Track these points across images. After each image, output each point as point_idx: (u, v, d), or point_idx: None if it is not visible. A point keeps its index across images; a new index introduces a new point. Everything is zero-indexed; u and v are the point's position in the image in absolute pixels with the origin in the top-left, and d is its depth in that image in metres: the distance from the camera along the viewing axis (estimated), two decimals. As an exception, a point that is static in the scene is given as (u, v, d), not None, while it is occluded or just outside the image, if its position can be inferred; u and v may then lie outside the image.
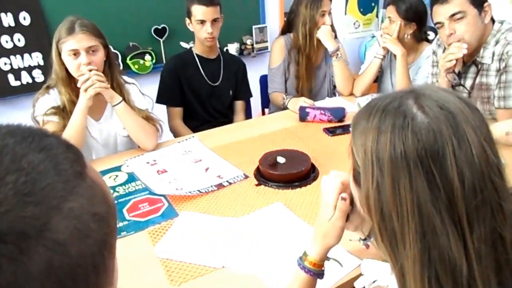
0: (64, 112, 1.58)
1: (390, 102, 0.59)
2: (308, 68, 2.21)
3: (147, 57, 2.85)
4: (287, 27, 2.28)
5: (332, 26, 2.20)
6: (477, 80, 1.65)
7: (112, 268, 0.33)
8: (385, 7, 2.19)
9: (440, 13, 1.55)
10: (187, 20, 1.98)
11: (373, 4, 3.67)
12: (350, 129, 0.65)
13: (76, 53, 1.49)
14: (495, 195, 0.54)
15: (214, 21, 1.92)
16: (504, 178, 0.57)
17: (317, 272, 0.82)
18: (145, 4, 2.79)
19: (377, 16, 3.71)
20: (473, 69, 1.65)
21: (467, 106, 0.57)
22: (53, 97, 1.60)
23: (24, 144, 0.28)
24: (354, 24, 3.62)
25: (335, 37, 2.25)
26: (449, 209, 0.52)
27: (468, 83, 1.68)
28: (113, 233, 0.33)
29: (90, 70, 1.49)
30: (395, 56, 2.18)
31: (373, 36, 3.54)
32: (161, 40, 2.88)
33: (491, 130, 0.58)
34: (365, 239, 0.90)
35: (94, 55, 1.51)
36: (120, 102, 1.57)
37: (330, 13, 2.16)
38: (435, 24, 1.61)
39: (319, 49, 2.25)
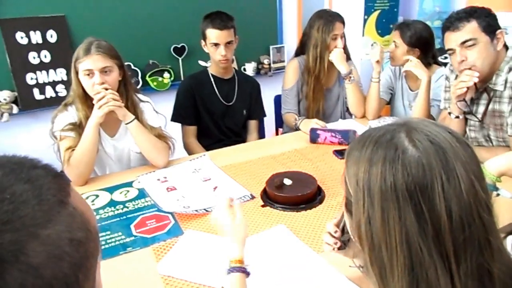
0: (80, 128, 1.64)
1: (383, 134, 0.61)
2: (317, 90, 2.23)
3: (166, 74, 2.93)
4: (301, 49, 2.31)
5: (345, 49, 2.22)
6: (490, 107, 1.64)
7: (92, 279, 0.36)
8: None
9: (451, 40, 1.56)
10: (203, 42, 2.04)
11: (391, 26, 3.68)
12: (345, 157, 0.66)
13: (90, 73, 1.56)
14: (483, 231, 0.55)
15: (228, 43, 1.98)
16: (492, 213, 0.57)
17: (244, 268, 0.90)
18: (166, 24, 2.89)
19: (395, 38, 3.72)
20: (485, 95, 1.64)
21: (457, 141, 0.58)
22: (71, 114, 1.67)
23: (11, 176, 0.31)
24: (372, 45, 3.63)
25: (348, 59, 2.27)
26: (436, 242, 0.53)
27: (481, 109, 1.67)
28: (91, 257, 0.35)
29: (106, 89, 1.55)
30: (405, 78, 2.19)
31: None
32: (180, 59, 2.96)
33: (480, 166, 0.59)
34: (363, 266, 0.91)
35: (108, 75, 1.58)
36: (132, 120, 1.63)
37: (342, 37, 2.19)
38: (447, 51, 1.62)
39: (332, 72, 2.28)
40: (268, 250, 1.15)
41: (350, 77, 2.18)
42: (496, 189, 1.02)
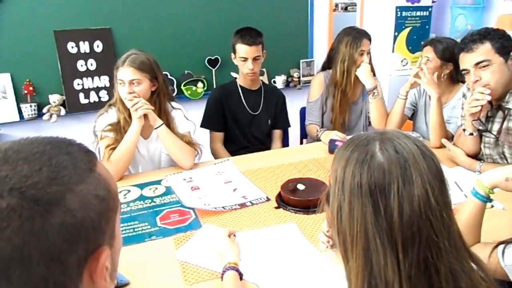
0: (118, 128, 1.82)
1: (363, 139, 0.72)
2: (343, 103, 2.33)
3: (200, 84, 3.12)
4: (328, 63, 2.42)
5: (371, 65, 2.31)
6: (504, 125, 1.68)
7: (111, 235, 0.48)
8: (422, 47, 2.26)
9: (465, 61, 1.62)
10: (233, 55, 2.20)
11: (422, 43, 3.71)
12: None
13: (122, 83, 1.75)
14: (431, 231, 0.64)
15: (256, 58, 2.12)
16: (446, 220, 0.66)
17: (238, 268, 1.05)
18: (201, 37, 3.08)
19: (426, 55, 3.74)
20: (500, 113, 1.69)
21: (422, 154, 0.68)
22: (112, 115, 1.87)
23: (56, 149, 0.45)
24: (402, 61, 3.68)
25: (373, 75, 2.36)
26: (388, 234, 0.64)
27: (495, 127, 1.71)
28: (111, 211, 0.48)
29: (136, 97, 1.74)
30: (429, 96, 2.24)
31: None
32: (213, 70, 3.15)
33: (443, 180, 0.68)
34: None
35: (136, 87, 1.76)
36: (161, 125, 1.80)
37: (369, 53, 2.28)
38: (462, 71, 1.69)
39: (357, 86, 2.37)
40: (276, 242, 1.27)
41: (374, 92, 2.26)
42: (490, 200, 1.09)
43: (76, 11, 2.74)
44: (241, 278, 1.05)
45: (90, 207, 0.44)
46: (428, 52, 2.10)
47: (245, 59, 2.14)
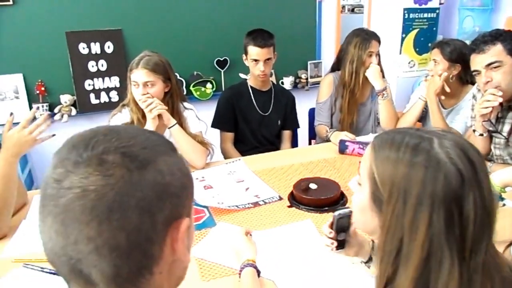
0: None
1: (419, 142, 0.66)
2: (352, 104, 2.34)
3: (208, 85, 3.15)
4: (337, 65, 2.44)
5: (380, 66, 2.32)
6: (515, 126, 1.69)
7: (188, 213, 0.52)
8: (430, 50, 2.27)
9: (477, 62, 1.64)
10: (244, 56, 2.22)
11: (429, 45, 3.72)
12: (368, 153, 0.73)
13: (136, 84, 1.77)
14: (491, 234, 0.64)
15: (267, 60, 2.15)
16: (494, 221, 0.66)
17: (256, 266, 1.06)
18: (210, 38, 3.11)
19: (433, 56, 3.75)
20: (511, 114, 1.70)
21: (479, 154, 0.66)
22: (125, 115, 1.89)
23: (147, 133, 0.51)
24: (409, 63, 3.69)
25: (383, 77, 2.37)
26: (458, 242, 0.62)
27: (506, 128, 1.72)
28: (190, 190, 0.52)
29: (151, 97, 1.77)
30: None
31: (427, 76, 3.59)
32: (222, 71, 3.17)
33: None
34: (367, 262, 1.02)
35: (150, 88, 1.78)
36: (174, 125, 1.82)
37: (377, 55, 2.29)
38: (472, 72, 1.70)
39: (366, 87, 2.38)
40: (293, 240, 1.30)
41: (384, 93, 2.27)
42: (502, 199, 1.11)
43: (88, 12, 2.78)
44: (258, 275, 1.07)
45: (175, 176, 0.49)
46: (436, 54, 2.11)
47: (256, 61, 2.16)
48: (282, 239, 1.31)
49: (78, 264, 0.44)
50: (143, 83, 1.76)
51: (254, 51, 2.14)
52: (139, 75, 1.76)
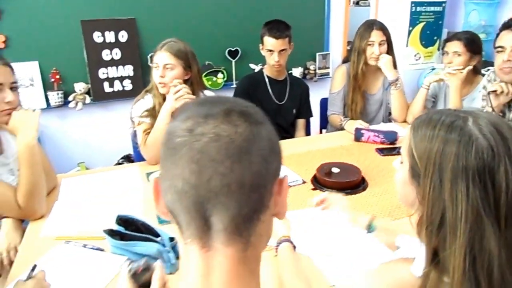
0: (154, 113, 1.89)
1: (454, 120, 0.73)
2: (360, 94, 2.39)
3: (220, 75, 3.19)
4: (348, 55, 2.50)
5: (392, 56, 2.38)
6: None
7: (281, 183, 0.56)
8: (445, 42, 2.33)
9: (506, 39, 1.68)
10: (260, 46, 2.27)
11: (435, 38, 3.80)
12: (408, 134, 0.79)
13: (156, 66, 1.82)
14: None
15: (282, 51, 2.20)
16: None
17: (292, 241, 1.11)
18: (222, 29, 3.15)
19: (438, 49, 3.82)
20: None
21: (509, 128, 0.73)
22: (147, 101, 1.94)
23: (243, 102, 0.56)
24: (415, 56, 3.76)
25: (395, 67, 2.43)
26: (493, 210, 0.68)
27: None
28: (282, 159, 0.56)
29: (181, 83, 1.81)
30: (449, 86, 2.31)
31: (433, 69, 3.66)
32: (233, 61, 3.22)
33: None
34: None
35: (169, 71, 1.83)
36: None
37: (382, 44, 2.31)
38: (496, 47, 1.74)
39: (377, 77, 2.44)
40: (323, 220, 1.36)
41: (397, 83, 2.33)
42: None
43: (102, 1, 2.80)
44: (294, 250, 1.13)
45: (276, 139, 0.55)
46: (456, 46, 2.16)
47: (271, 51, 2.21)
48: (312, 219, 1.37)
49: (204, 204, 0.49)
50: (163, 65, 1.81)
51: (269, 41, 2.19)
52: (161, 56, 1.81)
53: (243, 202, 0.50)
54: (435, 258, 0.73)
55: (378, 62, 2.31)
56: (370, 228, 1.21)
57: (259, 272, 0.55)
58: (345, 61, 2.54)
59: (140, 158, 2.06)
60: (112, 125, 3.00)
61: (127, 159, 2.95)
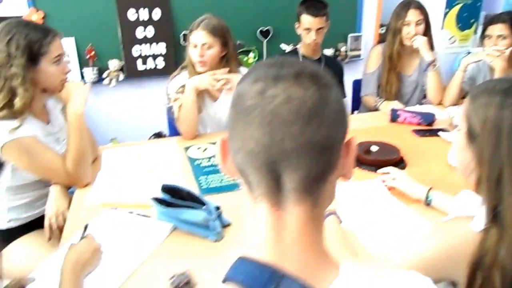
0: None
1: (509, 86, 0.80)
2: (396, 75, 2.35)
3: (251, 54, 3.18)
4: (384, 36, 2.46)
5: (429, 37, 2.32)
6: None
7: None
8: (486, 25, 2.25)
9: None
10: (297, 24, 2.25)
11: (472, 21, 3.67)
12: (465, 102, 0.86)
13: (194, 45, 1.82)
14: None
15: (319, 29, 2.17)
16: None
17: (337, 214, 1.16)
18: (254, 8, 3.12)
19: (475, 32, 3.70)
20: None
21: None
22: (184, 77, 1.96)
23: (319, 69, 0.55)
24: (450, 39, 3.65)
25: (432, 49, 2.37)
26: None
27: None
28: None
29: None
30: (490, 70, 2.25)
31: (469, 53, 3.55)
32: (265, 41, 3.20)
33: None
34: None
35: (207, 50, 1.84)
36: None
37: (419, 24, 2.26)
38: None
39: (412, 59, 2.40)
40: (365, 196, 1.37)
41: (435, 64, 2.28)
42: None
43: (137, -22, 2.82)
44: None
45: (343, 102, 0.55)
46: (501, 29, 2.10)
47: (308, 30, 2.19)
48: (355, 194, 1.37)
49: (276, 164, 0.50)
50: (201, 44, 1.82)
51: (306, 19, 2.16)
52: (198, 36, 1.82)
53: (313, 163, 0.50)
54: (494, 215, 0.77)
55: (413, 42, 2.26)
56: (428, 199, 1.22)
57: (323, 230, 0.56)
58: (381, 41, 2.49)
59: (175, 134, 2.09)
60: (144, 103, 3.04)
61: (158, 136, 3.00)
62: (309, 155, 0.50)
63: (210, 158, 1.68)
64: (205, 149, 1.76)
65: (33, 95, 1.36)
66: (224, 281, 0.52)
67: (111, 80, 2.91)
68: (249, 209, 0.57)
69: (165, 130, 2.97)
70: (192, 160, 1.67)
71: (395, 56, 2.33)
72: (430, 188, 1.30)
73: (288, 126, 0.49)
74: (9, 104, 1.32)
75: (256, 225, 0.55)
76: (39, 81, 1.38)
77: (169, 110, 2.06)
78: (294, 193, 0.51)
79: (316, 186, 0.53)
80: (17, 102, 1.32)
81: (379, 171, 1.44)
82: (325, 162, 0.52)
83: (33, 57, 1.33)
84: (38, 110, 1.49)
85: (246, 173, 0.53)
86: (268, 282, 0.49)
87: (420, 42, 2.25)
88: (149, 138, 3.02)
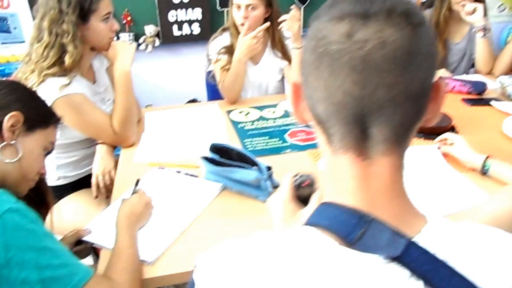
0: (232, 50, 1.87)
1: None
2: (438, 41, 2.23)
3: (288, 21, 3.09)
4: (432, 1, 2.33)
5: (483, 2, 2.18)
6: None
7: None
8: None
9: None
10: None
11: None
12: None
13: (239, 6, 1.77)
14: None
15: None
16: None
17: None
18: (293, -28, 3.01)
19: (527, 0, 3.48)
20: None
21: None
22: (225, 38, 1.92)
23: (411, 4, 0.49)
24: (499, 7, 3.44)
25: (485, 14, 2.23)
26: None
27: None
28: None
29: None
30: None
31: (519, 21, 3.35)
32: (302, 7, 3.09)
33: None
34: None
35: (252, 11, 1.78)
36: None
37: None
38: None
39: (461, 26, 2.27)
40: (418, 162, 1.32)
41: (486, 30, 2.15)
42: None
43: None
44: None
45: (434, 39, 0.50)
46: None
47: None
48: (408, 159, 1.32)
49: (366, 116, 0.46)
50: (245, 5, 1.76)
51: None
52: None
53: (406, 113, 0.46)
54: None
55: (464, 8, 2.13)
56: (485, 168, 1.17)
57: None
58: (429, 6, 2.36)
59: (213, 98, 2.07)
60: (179, 69, 3.03)
61: (193, 102, 2.99)
62: (404, 105, 0.45)
63: (253, 121, 1.65)
64: (248, 113, 1.74)
65: (82, 53, 1.36)
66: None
67: (147, 45, 2.90)
68: (326, 159, 0.54)
69: (200, 96, 2.96)
70: (235, 123, 1.65)
71: (442, 22, 2.22)
72: (488, 157, 1.24)
73: (382, 75, 0.44)
74: (60, 61, 1.32)
75: (337, 176, 0.52)
76: (88, 38, 1.38)
77: (208, 74, 2.03)
78: (383, 144, 0.48)
79: (406, 136, 0.49)
80: (67, 59, 1.32)
81: (437, 138, 1.38)
82: (418, 110, 0.48)
83: (83, 14, 1.32)
84: (86, 69, 1.49)
85: (328, 125, 0.49)
86: (357, 227, 0.46)
87: (468, 9, 2.11)
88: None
